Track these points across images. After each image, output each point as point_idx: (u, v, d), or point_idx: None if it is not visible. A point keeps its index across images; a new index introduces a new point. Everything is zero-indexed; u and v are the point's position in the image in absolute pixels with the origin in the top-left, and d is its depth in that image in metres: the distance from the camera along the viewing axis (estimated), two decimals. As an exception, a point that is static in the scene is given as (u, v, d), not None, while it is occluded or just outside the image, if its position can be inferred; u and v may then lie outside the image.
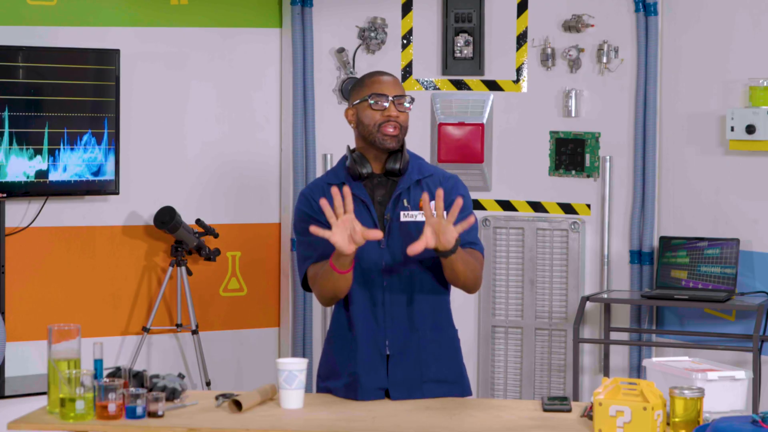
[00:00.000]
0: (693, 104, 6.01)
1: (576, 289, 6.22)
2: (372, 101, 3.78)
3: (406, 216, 3.78)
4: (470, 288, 3.80)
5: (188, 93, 6.45)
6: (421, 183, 3.83)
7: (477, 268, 3.78)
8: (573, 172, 6.27)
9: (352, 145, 3.89)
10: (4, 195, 5.89)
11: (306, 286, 3.87)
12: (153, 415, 3.45)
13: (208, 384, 6.26)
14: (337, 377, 3.81)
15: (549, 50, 6.26)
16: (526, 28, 6.31)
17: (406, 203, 3.80)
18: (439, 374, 3.82)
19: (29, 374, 6.06)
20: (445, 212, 3.70)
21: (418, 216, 3.79)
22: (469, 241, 3.78)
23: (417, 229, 3.75)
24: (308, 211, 3.83)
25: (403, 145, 3.84)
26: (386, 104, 3.78)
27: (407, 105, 3.81)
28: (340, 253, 3.60)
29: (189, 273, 6.28)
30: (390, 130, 3.78)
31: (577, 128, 6.26)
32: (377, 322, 3.79)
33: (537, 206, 6.35)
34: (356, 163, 3.79)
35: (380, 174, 3.83)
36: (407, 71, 6.42)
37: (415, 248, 3.56)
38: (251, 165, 6.55)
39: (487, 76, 6.39)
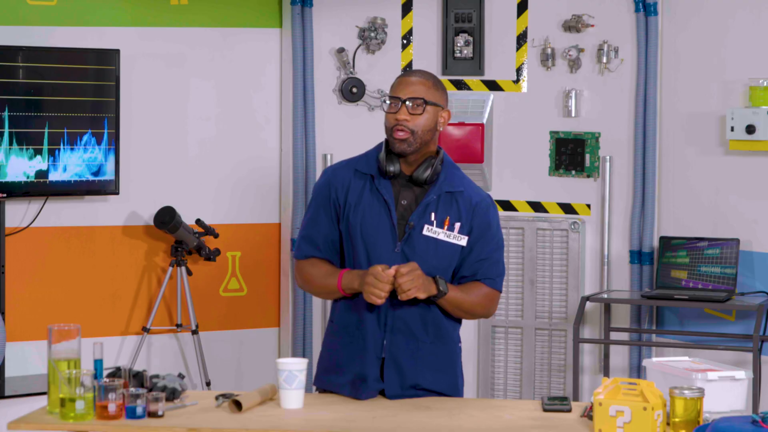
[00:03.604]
0: (693, 104, 6.01)
1: (576, 289, 6.22)
2: (387, 103, 3.78)
3: (429, 230, 3.75)
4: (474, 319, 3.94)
5: (188, 93, 6.45)
6: (452, 198, 3.78)
7: (476, 309, 3.82)
8: (573, 172, 6.27)
9: None
10: (4, 195, 5.89)
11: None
12: (153, 415, 3.45)
13: (208, 384, 6.26)
14: (341, 373, 3.80)
15: (549, 50, 6.26)
16: (526, 28, 6.31)
17: (433, 217, 3.75)
18: (434, 385, 3.80)
19: (29, 374, 6.05)
20: (465, 237, 3.75)
21: (440, 234, 3.75)
22: (485, 276, 3.80)
23: (435, 246, 3.75)
24: (322, 190, 3.85)
25: (440, 156, 3.80)
26: (396, 107, 3.74)
27: (417, 107, 3.73)
28: (357, 290, 3.72)
29: (189, 273, 6.28)
30: (398, 134, 3.74)
31: (577, 128, 6.26)
32: (379, 324, 3.78)
33: (537, 206, 6.35)
34: (386, 159, 3.77)
35: (409, 176, 3.79)
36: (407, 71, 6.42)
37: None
38: (251, 165, 6.55)
39: (487, 76, 6.38)
